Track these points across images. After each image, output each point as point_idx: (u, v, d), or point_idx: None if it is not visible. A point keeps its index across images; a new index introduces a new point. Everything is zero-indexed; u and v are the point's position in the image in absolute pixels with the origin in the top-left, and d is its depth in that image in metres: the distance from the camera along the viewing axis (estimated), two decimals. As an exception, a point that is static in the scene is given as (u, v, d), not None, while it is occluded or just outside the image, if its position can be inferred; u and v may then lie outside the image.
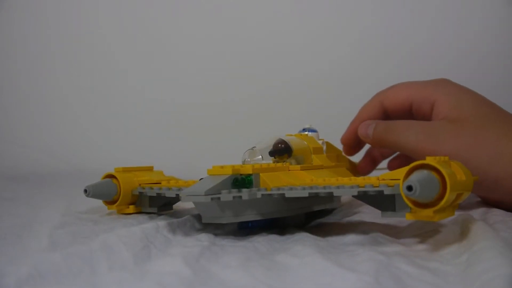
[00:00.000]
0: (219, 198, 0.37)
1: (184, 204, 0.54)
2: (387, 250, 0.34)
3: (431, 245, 0.36)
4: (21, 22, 1.24)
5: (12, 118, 1.19)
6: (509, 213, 0.46)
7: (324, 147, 0.51)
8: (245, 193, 0.38)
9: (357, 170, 0.61)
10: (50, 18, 1.24)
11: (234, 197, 0.37)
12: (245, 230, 0.42)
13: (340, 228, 0.43)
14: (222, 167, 0.40)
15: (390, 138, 0.50)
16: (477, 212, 0.47)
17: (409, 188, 0.31)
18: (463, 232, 0.36)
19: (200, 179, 0.41)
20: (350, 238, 0.39)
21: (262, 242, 0.38)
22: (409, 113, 0.54)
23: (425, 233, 0.39)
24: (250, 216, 0.39)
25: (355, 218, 0.48)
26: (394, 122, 0.51)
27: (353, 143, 0.58)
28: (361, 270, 0.29)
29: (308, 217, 0.47)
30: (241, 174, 0.40)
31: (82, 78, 1.23)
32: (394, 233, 0.40)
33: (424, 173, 0.32)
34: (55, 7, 1.24)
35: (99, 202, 0.52)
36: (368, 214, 0.49)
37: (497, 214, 0.46)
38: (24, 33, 1.24)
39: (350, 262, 0.31)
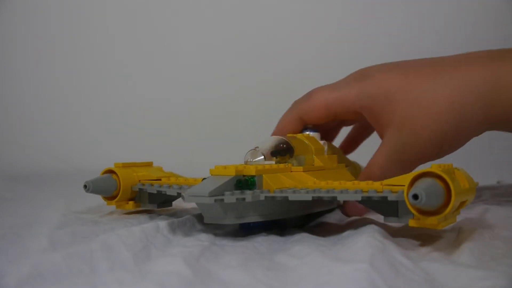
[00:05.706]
0: (222, 199, 0.37)
1: (183, 203, 0.54)
2: (387, 250, 0.34)
3: (431, 245, 0.36)
4: (22, 22, 1.24)
5: (12, 118, 1.19)
6: (509, 212, 0.46)
7: (326, 148, 0.50)
8: (248, 195, 0.38)
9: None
10: (50, 18, 1.24)
11: (237, 199, 0.37)
12: (245, 230, 0.42)
13: (340, 228, 0.43)
14: (225, 167, 0.40)
15: None
16: (477, 212, 0.47)
17: (415, 196, 0.31)
18: (462, 232, 0.36)
19: (203, 179, 0.41)
20: (350, 238, 0.39)
21: (262, 242, 0.38)
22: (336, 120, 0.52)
23: (425, 233, 0.39)
24: (252, 217, 0.39)
25: (355, 218, 0.48)
26: None
27: None
28: (362, 269, 0.29)
29: (308, 217, 0.47)
30: (244, 176, 0.39)
31: (82, 78, 1.23)
32: (393, 232, 0.40)
33: (429, 181, 0.32)
34: (55, 7, 1.24)
35: (99, 202, 0.51)
36: (368, 214, 0.49)
37: (497, 213, 0.46)
38: (24, 33, 1.24)
39: (349, 262, 0.31)
